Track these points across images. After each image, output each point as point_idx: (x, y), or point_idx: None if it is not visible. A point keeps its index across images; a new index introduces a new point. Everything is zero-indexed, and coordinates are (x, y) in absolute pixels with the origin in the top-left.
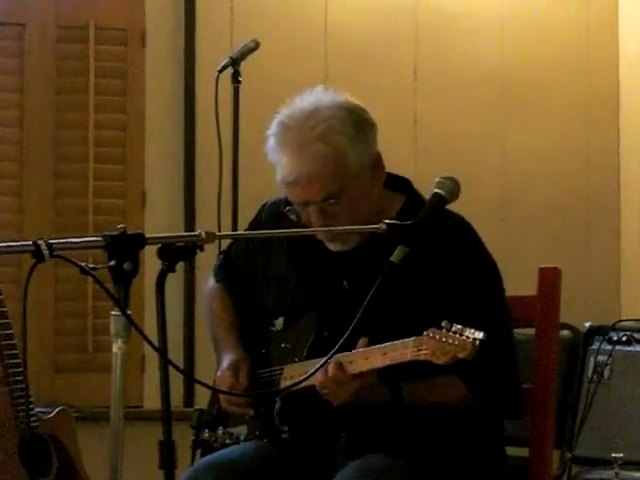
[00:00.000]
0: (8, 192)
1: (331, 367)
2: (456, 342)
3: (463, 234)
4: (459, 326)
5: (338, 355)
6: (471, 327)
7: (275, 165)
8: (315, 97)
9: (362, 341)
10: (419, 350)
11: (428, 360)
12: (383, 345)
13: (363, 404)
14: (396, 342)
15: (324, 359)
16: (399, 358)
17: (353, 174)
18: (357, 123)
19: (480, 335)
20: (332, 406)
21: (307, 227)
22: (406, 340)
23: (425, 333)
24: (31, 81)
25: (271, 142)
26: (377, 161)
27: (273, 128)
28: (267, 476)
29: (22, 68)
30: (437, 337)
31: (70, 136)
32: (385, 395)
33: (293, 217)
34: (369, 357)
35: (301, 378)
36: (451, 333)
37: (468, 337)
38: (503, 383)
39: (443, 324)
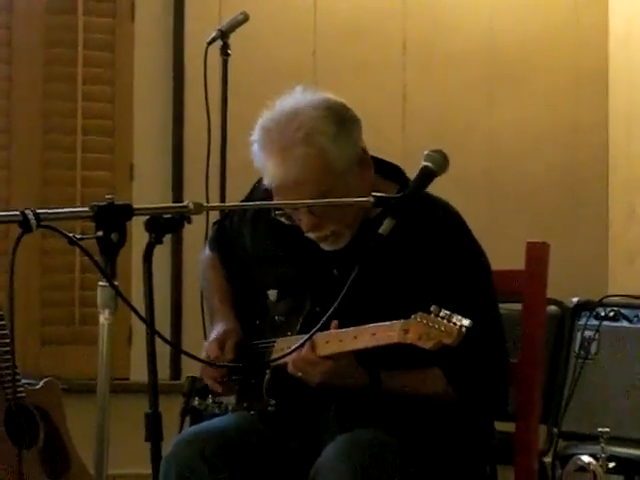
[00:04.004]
0: None
1: (305, 348)
2: (442, 327)
3: (452, 220)
4: (447, 312)
5: (325, 332)
6: (459, 314)
7: (261, 170)
8: (295, 99)
9: (333, 324)
10: (406, 333)
11: (414, 344)
12: (371, 325)
13: (340, 387)
14: (384, 323)
15: (308, 335)
16: (386, 339)
17: (339, 173)
18: (339, 121)
19: (466, 322)
20: None
21: (301, 229)
22: (394, 322)
23: (413, 316)
24: (19, 52)
25: (255, 148)
26: (363, 157)
27: (256, 133)
28: (252, 448)
29: (10, 39)
30: (425, 321)
31: (58, 108)
32: (363, 381)
33: (284, 221)
34: (358, 336)
35: (284, 352)
36: (439, 318)
37: (455, 323)
38: (488, 382)
39: (432, 308)
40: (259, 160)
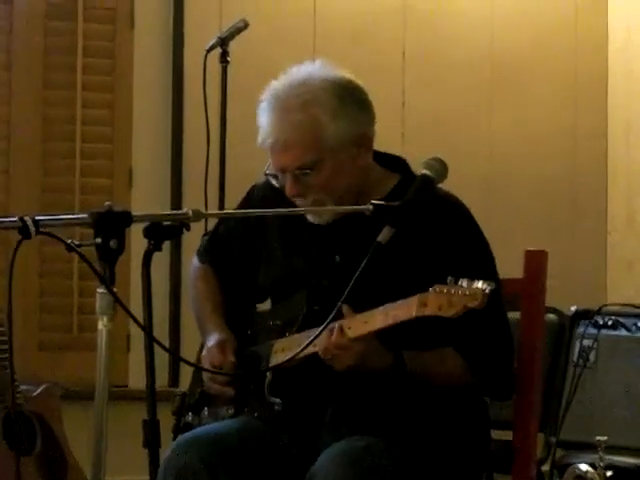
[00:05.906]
0: None
1: (335, 332)
2: (466, 292)
3: (459, 212)
4: (466, 280)
5: (337, 322)
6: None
7: (259, 128)
8: (311, 68)
9: (346, 309)
10: (424, 306)
11: (435, 315)
12: (385, 305)
13: (364, 371)
14: (399, 301)
15: (318, 330)
16: (404, 316)
17: (329, 148)
18: (343, 98)
19: (492, 285)
20: (320, 379)
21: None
22: (410, 298)
23: (431, 289)
24: (19, 58)
25: (261, 106)
26: (363, 140)
27: (265, 93)
28: (251, 452)
29: (10, 45)
30: (445, 290)
31: (57, 115)
32: (387, 361)
33: (274, 181)
34: (368, 320)
35: (296, 352)
36: (459, 285)
37: (478, 287)
38: (497, 363)
39: (448, 280)
40: (259, 118)
